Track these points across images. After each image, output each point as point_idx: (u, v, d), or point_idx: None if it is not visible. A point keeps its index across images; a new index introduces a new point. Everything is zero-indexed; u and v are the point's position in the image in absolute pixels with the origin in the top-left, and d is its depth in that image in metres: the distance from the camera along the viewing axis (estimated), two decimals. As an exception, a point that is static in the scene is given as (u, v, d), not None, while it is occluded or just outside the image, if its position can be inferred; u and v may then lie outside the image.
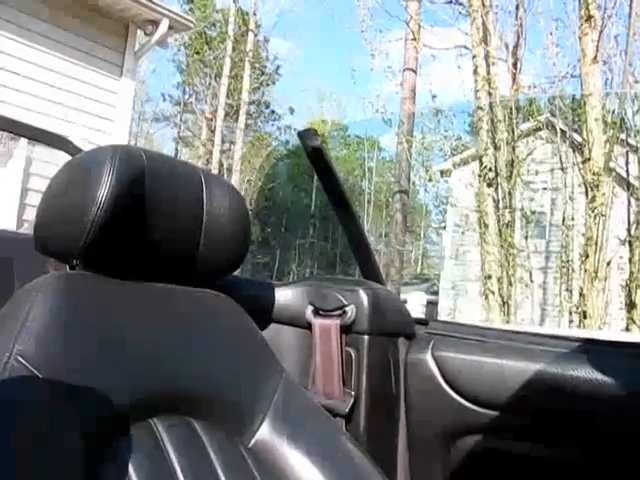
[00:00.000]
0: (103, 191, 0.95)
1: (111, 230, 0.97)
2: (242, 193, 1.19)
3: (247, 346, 1.15)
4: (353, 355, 1.34)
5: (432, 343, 1.38)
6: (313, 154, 1.48)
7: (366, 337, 1.34)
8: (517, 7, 9.59)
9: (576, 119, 8.88)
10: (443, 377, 1.34)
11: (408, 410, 1.38)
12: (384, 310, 1.38)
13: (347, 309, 1.34)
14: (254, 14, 22.30)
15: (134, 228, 1.02)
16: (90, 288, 0.99)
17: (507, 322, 7.89)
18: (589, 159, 7.79)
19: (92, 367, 0.90)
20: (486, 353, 1.31)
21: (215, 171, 20.28)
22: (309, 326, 1.39)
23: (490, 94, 8.51)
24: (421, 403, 1.37)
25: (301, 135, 1.47)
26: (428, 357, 1.36)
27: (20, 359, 0.83)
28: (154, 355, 1.00)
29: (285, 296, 1.45)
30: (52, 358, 0.86)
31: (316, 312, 1.39)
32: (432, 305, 12.46)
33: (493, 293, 8.06)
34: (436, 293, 13.47)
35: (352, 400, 1.32)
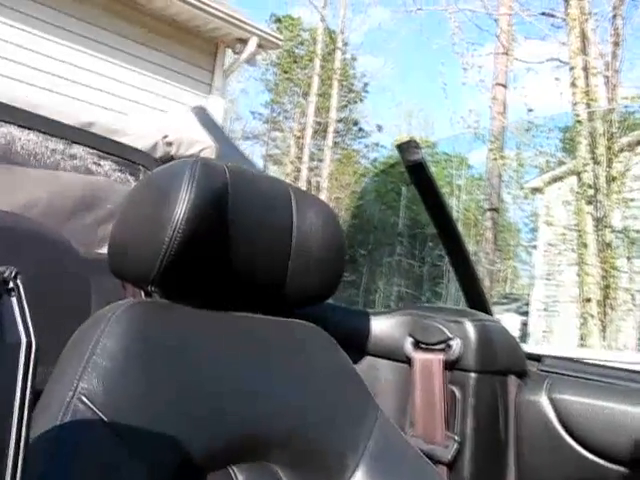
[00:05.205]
0: (180, 210, 0.86)
1: (189, 254, 0.88)
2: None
3: (339, 383, 1.04)
4: (458, 395, 1.25)
5: (547, 383, 1.29)
6: (413, 169, 1.35)
7: (473, 375, 1.24)
8: (614, 16, 9.22)
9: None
10: (561, 423, 1.24)
11: (519, 459, 1.28)
12: (493, 344, 1.28)
13: (452, 343, 1.25)
14: (341, 32, 22.48)
15: (215, 251, 0.93)
16: (165, 319, 0.90)
17: (609, 347, 7.53)
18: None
19: (165, 410, 0.82)
20: (613, 397, 1.21)
21: (303, 189, 20.46)
22: (408, 361, 1.31)
23: (589, 106, 8.18)
24: (534, 451, 1.27)
25: (401, 148, 1.34)
26: (543, 399, 1.27)
27: (84, 399, 0.76)
28: (235, 395, 0.90)
29: (381, 326, 1.36)
30: (120, 399, 0.78)
31: (416, 345, 1.31)
32: (524, 327, 12.13)
33: (592, 317, 7.71)
34: (526, 314, 13.10)
35: (456, 446, 1.23)
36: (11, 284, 0.55)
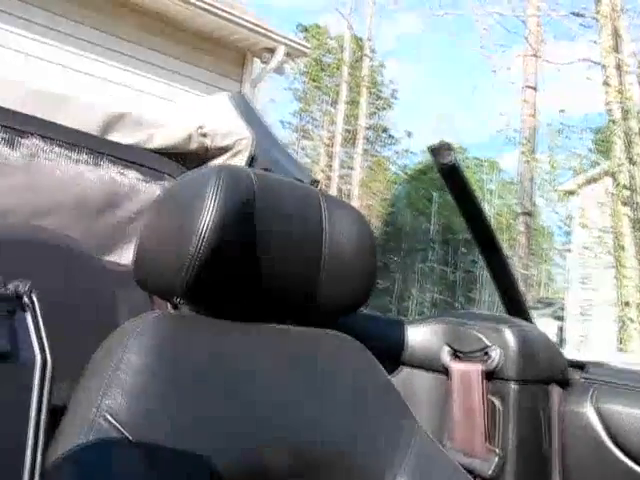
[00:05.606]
0: (206, 219, 0.83)
1: (216, 264, 0.85)
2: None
3: (375, 395, 1.00)
4: (498, 406, 1.18)
5: (593, 392, 1.21)
6: (446, 172, 1.30)
7: (513, 385, 1.18)
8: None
9: None
10: (609, 435, 1.17)
11: (564, 473, 1.21)
12: (534, 352, 1.22)
13: (491, 352, 1.19)
14: (368, 39, 22.46)
15: (243, 261, 0.89)
16: (192, 332, 0.87)
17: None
18: None
19: (193, 428, 0.78)
20: None
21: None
22: (445, 371, 1.25)
23: (622, 105, 8.02)
24: (580, 465, 1.20)
25: (433, 150, 1.29)
26: (588, 409, 1.20)
27: (108, 417, 0.73)
28: (265, 411, 0.86)
29: (417, 336, 1.31)
30: (146, 417, 0.75)
31: (454, 355, 1.25)
32: (560, 332, 11.93)
33: (632, 321, 7.54)
34: (560, 318, 12.90)
35: (497, 459, 1.17)
36: (25, 299, 0.53)
